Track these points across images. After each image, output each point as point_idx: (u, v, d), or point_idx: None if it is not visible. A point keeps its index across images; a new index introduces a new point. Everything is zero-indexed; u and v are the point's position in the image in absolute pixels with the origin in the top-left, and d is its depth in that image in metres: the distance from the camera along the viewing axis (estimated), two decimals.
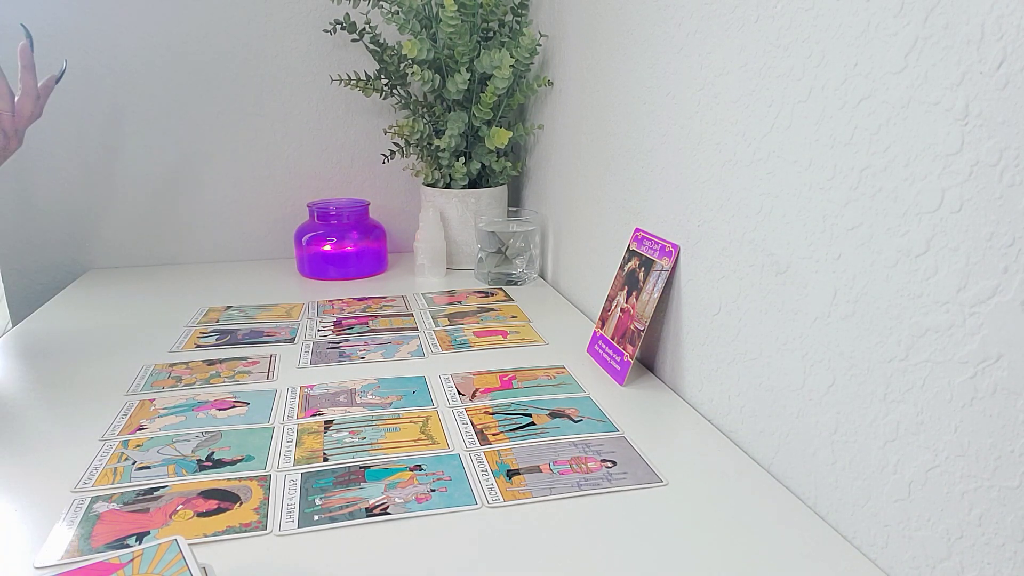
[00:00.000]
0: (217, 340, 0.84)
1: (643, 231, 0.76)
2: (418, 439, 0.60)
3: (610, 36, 0.82)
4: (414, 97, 1.13)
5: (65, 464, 0.57)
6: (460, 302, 0.99)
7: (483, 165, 1.13)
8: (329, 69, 1.17)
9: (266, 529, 0.48)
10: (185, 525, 0.49)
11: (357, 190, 1.24)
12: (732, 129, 0.59)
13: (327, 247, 1.09)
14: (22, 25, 0.79)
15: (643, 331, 0.69)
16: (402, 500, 0.52)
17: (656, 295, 0.69)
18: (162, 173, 1.16)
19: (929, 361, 0.41)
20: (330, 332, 0.86)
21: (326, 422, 0.63)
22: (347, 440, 0.60)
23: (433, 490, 0.53)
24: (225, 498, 0.52)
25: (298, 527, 0.49)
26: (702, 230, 0.64)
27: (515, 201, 1.26)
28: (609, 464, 0.56)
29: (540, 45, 1.06)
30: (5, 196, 1.10)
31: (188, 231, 1.19)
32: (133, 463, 0.57)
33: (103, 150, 1.12)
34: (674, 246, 0.69)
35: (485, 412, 0.65)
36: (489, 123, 1.09)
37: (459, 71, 1.02)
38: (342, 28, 1.08)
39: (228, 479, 0.54)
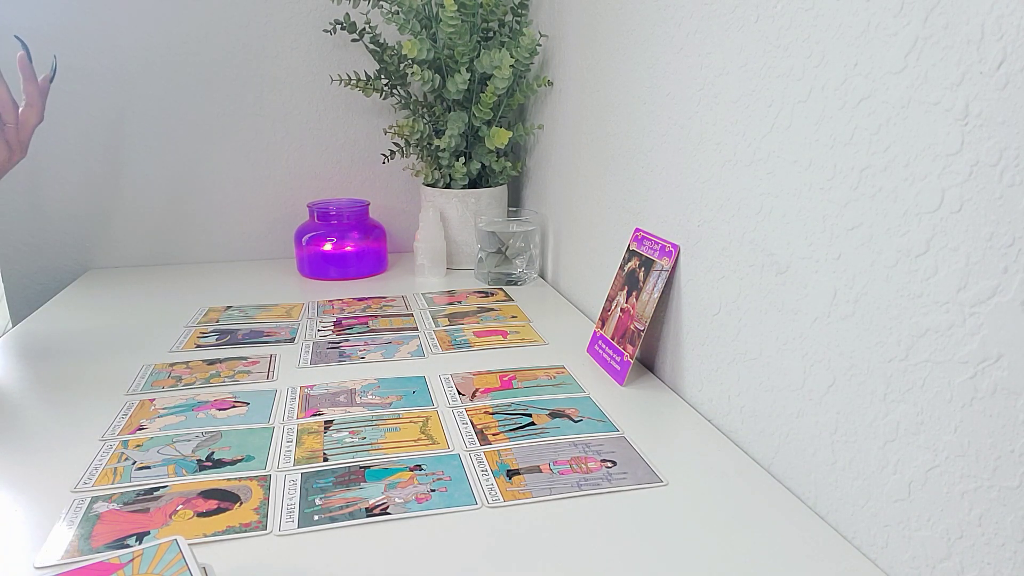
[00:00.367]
0: (217, 340, 0.84)
1: (643, 231, 0.76)
2: (418, 439, 0.60)
3: (610, 36, 0.82)
4: (414, 97, 1.13)
5: (65, 464, 0.57)
6: (460, 302, 0.99)
7: (483, 165, 1.13)
8: (329, 69, 1.17)
9: (266, 529, 0.48)
10: (185, 525, 0.49)
11: (357, 190, 1.24)
12: (732, 129, 0.59)
13: (327, 247, 1.09)
14: (16, 37, 0.79)
15: (643, 331, 0.69)
16: (402, 500, 0.52)
17: (656, 295, 0.69)
18: (162, 173, 1.16)
19: (929, 361, 0.41)
20: (330, 332, 0.86)
21: (326, 422, 0.63)
22: (347, 440, 0.60)
23: (433, 490, 0.53)
24: (225, 498, 0.52)
25: (298, 527, 0.49)
26: (702, 230, 0.64)
27: (515, 201, 1.26)
28: (609, 464, 0.56)
29: (540, 45, 1.06)
30: (5, 196, 1.10)
31: (188, 231, 1.19)
32: (133, 463, 0.57)
33: (103, 150, 1.12)
34: (674, 246, 0.69)
35: (485, 412, 0.65)
36: (489, 123, 1.09)
37: (459, 71, 1.02)
38: (342, 28, 1.08)
39: (228, 479, 0.54)
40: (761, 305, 0.56)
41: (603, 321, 0.78)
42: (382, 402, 0.67)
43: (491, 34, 1.09)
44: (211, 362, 0.77)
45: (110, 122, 1.11)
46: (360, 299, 1.00)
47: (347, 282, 1.09)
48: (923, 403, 0.41)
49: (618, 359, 0.72)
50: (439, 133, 1.11)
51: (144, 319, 0.91)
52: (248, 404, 0.67)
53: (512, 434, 0.61)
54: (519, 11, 1.06)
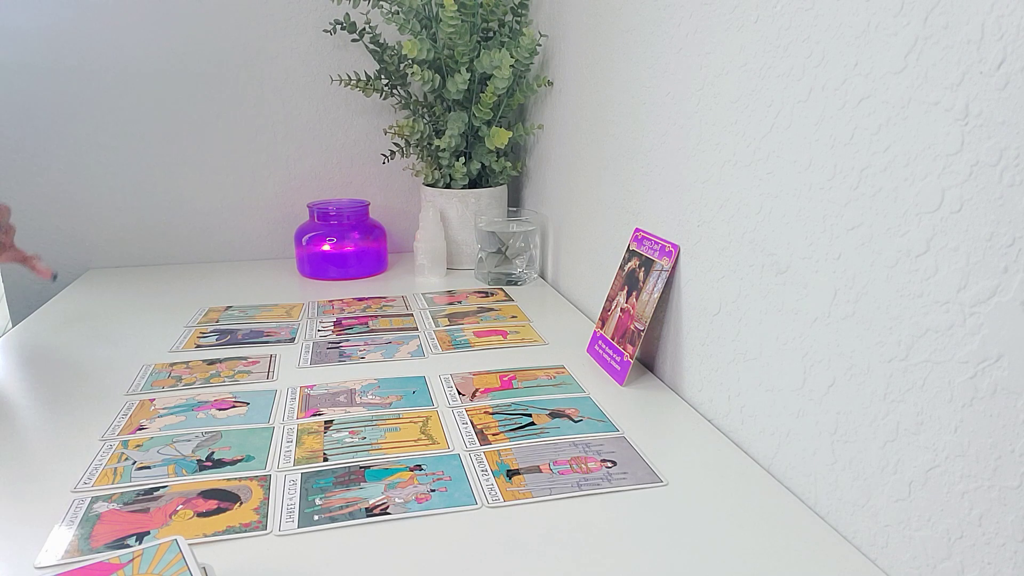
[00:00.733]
0: (217, 340, 0.84)
1: (643, 231, 0.76)
2: (418, 439, 0.60)
3: (610, 36, 0.82)
4: (414, 97, 1.13)
5: (65, 464, 0.57)
6: (460, 302, 0.99)
7: (483, 165, 1.13)
8: (329, 69, 1.17)
9: (266, 529, 0.48)
10: (185, 525, 0.49)
11: (357, 190, 1.24)
12: (732, 129, 0.59)
13: (327, 247, 1.09)
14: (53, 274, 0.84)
15: (643, 331, 0.69)
16: (402, 500, 0.52)
17: (656, 295, 0.69)
18: (162, 173, 1.16)
19: (929, 361, 0.41)
20: (330, 332, 0.86)
21: (326, 422, 0.63)
22: (347, 440, 0.60)
23: (433, 490, 0.53)
24: (225, 498, 0.52)
25: (298, 527, 0.49)
26: (702, 230, 0.64)
27: (515, 201, 1.26)
28: (609, 464, 0.56)
29: (540, 45, 1.06)
30: (5, 196, 1.10)
31: (188, 231, 1.19)
32: (133, 463, 0.57)
33: (102, 150, 1.12)
34: (674, 246, 0.69)
35: (485, 412, 0.65)
36: (489, 123, 1.09)
37: (459, 71, 1.02)
38: (342, 28, 1.08)
39: (228, 479, 0.54)
40: (761, 305, 0.56)
41: (603, 321, 0.78)
42: (382, 402, 0.67)
43: (491, 34, 1.09)
44: (211, 362, 0.77)
45: (110, 122, 1.11)
46: (360, 299, 1.00)
47: (347, 282, 1.09)
48: (923, 403, 0.41)
49: (618, 359, 0.72)
50: (439, 133, 1.11)
51: (144, 319, 0.91)
52: (248, 404, 0.67)
53: (512, 434, 0.61)
54: (519, 11, 1.06)
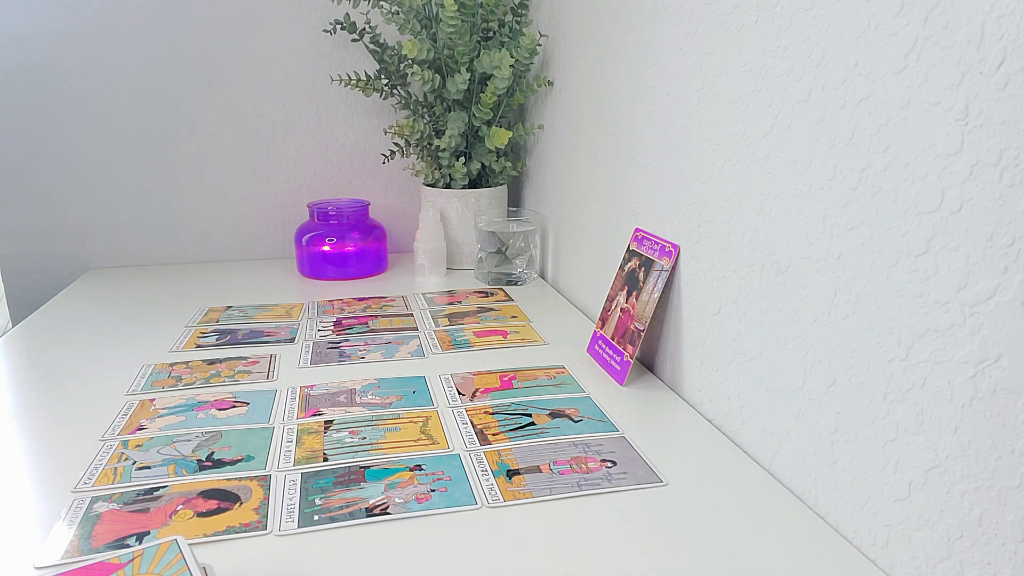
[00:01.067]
0: (217, 340, 0.84)
1: (643, 231, 0.76)
2: (418, 439, 0.60)
3: (610, 36, 0.82)
4: (414, 97, 1.13)
5: (65, 464, 0.57)
6: (460, 302, 0.99)
7: (483, 165, 1.13)
8: (329, 69, 1.17)
9: (266, 529, 0.48)
10: (185, 525, 0.49)
11: (357, 190, 1.24)
12: (732, 129, 0.59)
13: (327, 247, 1.09)
14: None
15: (643, 331, 0.69)
16: (402, 500, 0.52)
17: (656, 295, 0.69)
18: (162, 173, 1.16)
19: (929, 361, 0.41)
20: (330, 332, 0.86)
21: (326, 422, 0.63)
22: (347, 440, 0.60)
23: (433, 490, 0.53)
24: (225, 498, 0.52)
25: (298, 527, 0.49)
26: (702, 230, 0.64)
27: (515, 201, 1.26)
28: (609, 464, 0.56)
29: (540, 45, 1.06)
30: (5, 196, 1.10)
31: (188, 231, 1.19)
32: (133, 463, 0.57)
33: (102, 150, 1.12)
34: (674, 246, 0.69)
35: (485, 412, 0.65)
36: (489, 123, 1.09)
37: (459, 71, 1.02)
38: (342, 28, 1.08)
39: (228, 479, 0.54)
40: (761, 305, 0.56)
41: (603, 321, 0.78)
42: (382, 402, 0.67)
43: (491, 34, 1.09)
44: (211, 362, 0.77)
45: (110, 122, 1.11)
46: (360, 299, 1.00)
47: (347, 282, 1.09)
48: (923, 403, 0.41)
49: (618, 359, 0.72)
50: (439, 133, 1.11)
51: (144, 319, 0.91)
52: (248, 404, 0.67)
53: (512, 434, 0.61)
54: (519, 11, 1.06)
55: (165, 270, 1.16)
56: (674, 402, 0.68)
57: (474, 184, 1.15)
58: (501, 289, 1.05)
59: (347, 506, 0.51)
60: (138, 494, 0.52)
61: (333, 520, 0.49)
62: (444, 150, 1.08)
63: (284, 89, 1.17)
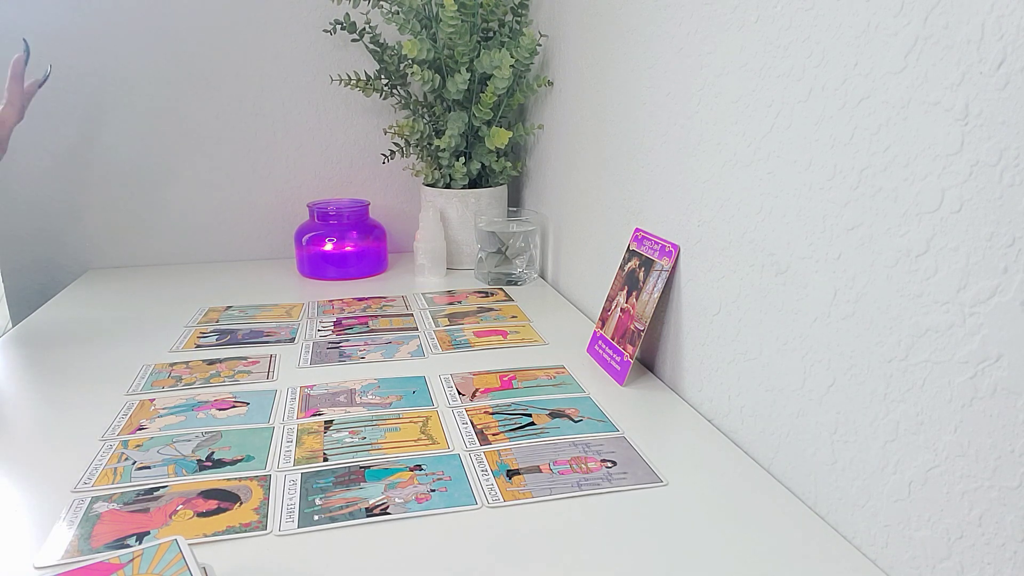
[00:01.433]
0: (217, 340, 0.84)
1: (643, 231, 0.76)
2: (418, 439, 0.60)
3: (610, 36, 0.82)
4: (414, 97, 1.13)
5: (65, 464, 0.57)
6: (460, 302, 0.99)
7: (483, 165, 1.13)
8: (329, 69, 1.17)
9: (266, 529, 0.48)
10: (185, 525, 0.49)
11: (357, 190, 1.24)
12: (732, 129, 0.59)
13: (327, 247, 1.09)
14: (24, 40, 0.81)
15: (643, 331, 0.69)
16: (402, 500, 0.52)
17: (656, 295, 0.69)
18: (162, 173, 1.16)
19: (929, 361, 0.41)
20: (330, 332, 0.86)
21: (326, 422, 0.63)
22: (347, 440, 0.60)
23: (433, 490, 0.53)
24: (225, 498, 0.52)
25: (298, 527, 0.49)
26: (702, 230, 0.64)
27: (515, 201, 1.26)
28: (609, 464, 0.56)
29: (540, 45, 1.06)
30: (5, 196, 1.10)
31: (188, 231, 1.19)
32: (133, 463, 0.57)
33: (102, 149, 1.12)
34: (674, 246, 0.69)
35: (485, 412, 0.65)
36: (489, 123, 1.09)
37: (459, 71, 1.02)
38: (342, 28, 1.08)
39: (228, 479, 0.54)
40: (761, 305, 0.56)
41: (603, 321, 0.78)
42: (382, 402, 0.67)
43: (491, 34, 1.09)
44: (211, 362, 0.77)
45: (110, 121, 1.11)
46: (360, 299, 1.00)
47: (347, 282, 1.09)
48: (923, 403, 0.41)
49: (618, 359, 0.72)
50: (439, 133, 1.11)
51: (144, 319, 0.91)
52: (248, 404, 0.67)
53: (512, 434, 0.61)
54: (519, 11, 1.06)
55: (165, 270, 1.16)
56: (674, 402, 0.68)
57: (474, 184, 1.15)
58: (501, 289, 1.05)
59: (347, 506, 0.51)
60: (138, 494, 0.52)
61: (333, 520, 0.49)
62: (444, 150, 1.08)
63: (284, 89, 1.17)
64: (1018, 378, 0.35)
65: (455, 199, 1.12)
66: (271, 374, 0.74)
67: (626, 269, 0.76)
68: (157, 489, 0.53)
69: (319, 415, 0.65)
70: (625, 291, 0.75)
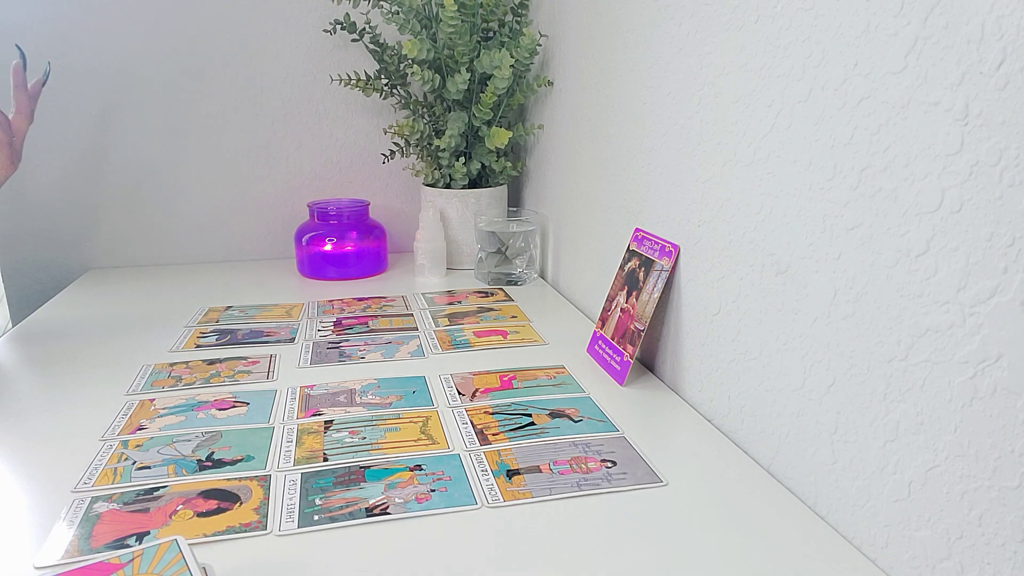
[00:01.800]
0: (217, 340, 0.84)
1: (643, 231, 0.76)
2: (418, 439, 0.60)
3: (610, 36, 0.82)
4: (414, 97, 1.13)
5: (65, 464, 0.57)
6: (460, 302, 0.99)
7: (483, 165, 1.13)
8: (329, 69, 1.17)
9: (266, 529, 0.48)
10: (185, 525, 0.49)
11: (357, 190, 1.24)
12: (732, 129, 0.59)
13: (327, 247, 1.09)
14: (16, 46, 0.81)
15: (643, 331, 0.69)
16: (402, 500, 0.52)
17: (656, 295, 0.69)
18: (162, 173, 1.16)
19: (929, 361, 0.41)
20: (330, 332, 0.86)
21: (326, 422, 0.63)
22: (347, 440, 0.60)
23: (433, 490, 0.53)
24: (225, 498, 0.52)
25: (298, 527, 0.49)
26: (702, 230, 0.64)
27: (515, 201, 1.26)
28: (609, 464, 0.56)
29: (540, 45, 1.06)
30: (5, 195, 1.10)
31: (188, 231, 1.19)
32: (133, 463, 0.57)
33: (102, 149, 1.12)
34: (674, 246, 0.69)
35: (485, 412, 0.65)
36: (489, 123, 1.09)
37: (459, 71, 1.02)
38: (342, 28, 1.08)
39: (228, 479, 0.54)
40: (761, 305, 0.56)
41: (603, 321, 0.78)
42: (382, 402, 0.67)
43: (491, 34, 1.09)
44: (211, 362, 0.77)
45: (110, 121, 1.11)
46: (360, 299, 1.00)
47: (347, 282, 1.09)
48: (923, 403, 0.41)
49: (618, 359, 0.72)
50: (439, 133, 1.11)
51: (144, 319, 0.91)
52: (248, 404, 0.67)
53: (512, 434, 0.61)
54: (519, 11, 1.06)
55: (165, 270, 1.16)
56: (674, 402, 0.68)
57: (474, 184, 1.15)
58: (501, 289, 1.05)
59: (347, 506, 0.51)
60: (138, 494, 0.52)
61: (333, 520, 0.49)
62: (444, 150, 1.08)
63: (284, 89, 1.17)
64: (1018, 378, 0.35)
65: (455, 199, 1.12)
66: (271, 374, 0.74)
67: (626, 269, 0.76)
68: (157, 489, 0.53)
69: (319, 415, 0.65)
70: (625, 291, 0.75)
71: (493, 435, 0.61)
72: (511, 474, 0.55)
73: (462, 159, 1.10)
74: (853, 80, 0.45)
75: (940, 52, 0.39)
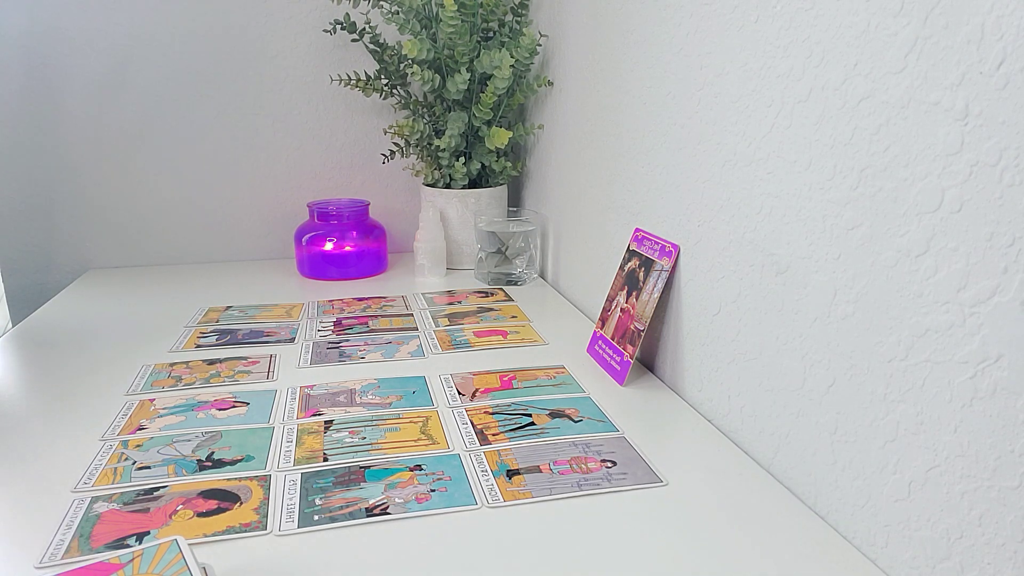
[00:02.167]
0: (217, 340, 0.84)
1: (643, 231, 0.76)
2: (418, 439, 0.60)
3: (610, 36, 0.82)
4: (414, 97, 1.13)
5: (65, 464, 0.57)
6: (460, 302, 0.99)
7: (483, 165, 1.13)
8: (329, 69, 1.17)
9: (266, 529, 0.48)
10: (185, 525, 0.49)
11: (357, 190, 1.25)
12: (732, 129, 0.59)
13: (327, 247, 1.09)
14: None
15: (643, 331, 0.69)
16: (402, 500, 0.52)
17: (656, 295, 0.69)
18: (162, 173, 1.16)
19: (929, 361, 0.41)
20: (330, 332, 0.86)
21: (326, 422, 0.63)
22: (347, 440, 0.60)
23: (433, 490, 0.53)
24: (225, 498, 0.52)
25: (298, 527, 0.49)
26: (702, 230, 0.64)
27: (515, 201, 1.26)
28: (609, 464, 0.56)
29: (540, 45, 1.06)
30: (5, 197, 1.10)
31: (188, 231, 1.19)
32: (133, 463, 0.57)
33: (102, 150, 1.12)
34: (674, 246, 0.69)
35: (485, 412, 0.65)
36: (489, 123, 1.09)
37: (459, 71, 1.02)
38: (342, 28, 1.08)
39: (228, 479, 0.54)
40: (761, 305, 0.56)
41: (603, 321, 0.78)
42: (382, 402, 0.67)
43: (491, 34, 1.09)
44: (211, 362, 0.77)
45: (110, 122, 1.11)
46: (360, 299, 1.00)
47: (347, 282, 1.09)
48: (923, 403, 0.41)
49: (618, 359, 0.72)
50: (439, 133, 1.11)
51: (144, 319, 0.91)
52: (248, 404, 0.67)
53: (512, 434, 0.61)
54: (519, 11, 1.06)
55: (165, 270, 1.16)
56: (674, 402, 0.68)
57: (474, 184, 1.15)
58: (501, 289, 1.05)
59: (347, 506, 0.51)
60: (138, 494, 0.52)
61: (333, 520, 0.49)
62: (444, 150, 1.08)
63: (284, 89, 1.17)
64: (1018, 378, 0.35)
65: (455, 199, 1.12)
66: (271, 374, 0.74)
67: (626, 269, 0.76)
68: (157, 489, 0.53)
69: (319, 415, 0.65)
70: (625, 291, 0.75)
71: (493, 435, 0.61)
72: (511, 474, 0.55)
73: (462, 159, 1.10)
74: (853, 80, 0.45)
75: (940, 52, 0.39)
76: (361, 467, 0.56)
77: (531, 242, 1.06)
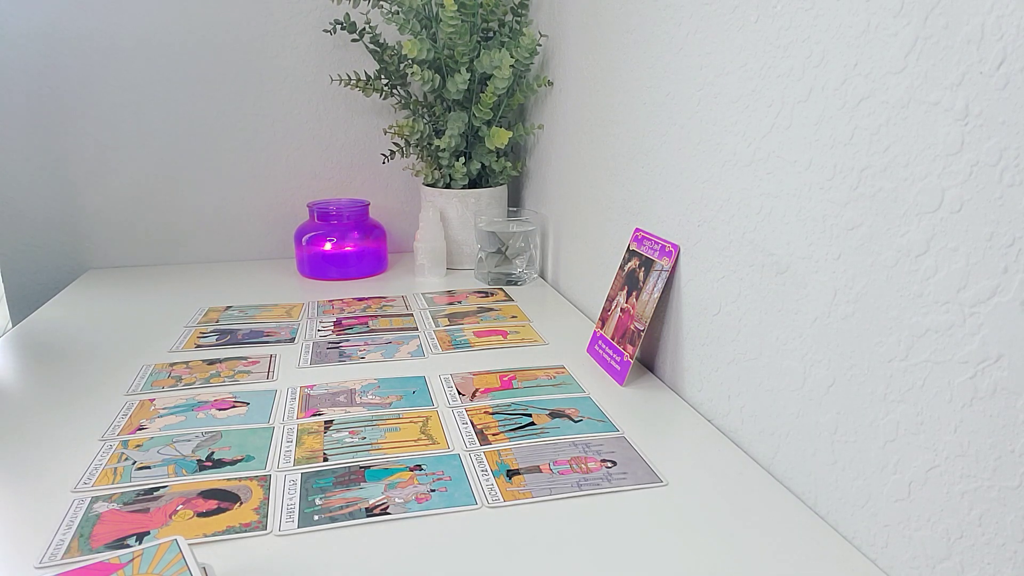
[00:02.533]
0: (217, 340, 0.84)
1: (643, 231, 0.76)
2: (418, 439, 0.60)
3: (610, 36, 0.82)
4: (414, 97, 1.13)
5: (65, 464, 0.57)
6: (460, 302, 0.99)
7: (483, 165, 1.13)
8: (329, 69, 1.17)
9: (266, 529, 0.48)
10: (185, 525, 0.49)
11: (357, 190, 1.25)
12: (732, 129, 0.59)
13: (327, 247, 1.09)
14: None
15: (643, 331, 0.69)
16: (402, 500, 0.52)
17: (656, 295, 0.69)
18: (162, 173, 1.16)
19: (929, 361, 0.41)
20: (330, 332, 0.86)
21: (326, 422, 0.63)
22: (347, 440, 0.60)
23: (433, 490, 0.53)
24: (225, 498, 0.52)
25: (298, 527, 0.49)
26: (702, 230, 0.64)
27: (515, 201, 1.26)
28: (609, 464, 0.56)
29: (540, 45, 1.06)
30: (5, 197, 1.10)
31: (188, 231, 1.19)
32: (133, 463, 0.57)
33: (102, 149, 1.12)
34: (674, 246, 0.69)
35: (485, 412, 0.65)
36: (489, 123, 1.09)
37: (459, 71, 1.02)
38: (342, 28, 1.08)
39: (228, 479, 0.54)
40: (761, 305, 0.56)
41: (603, 321, 0.78)
42: (382, 402, 0.67)
43: (491, 34, 1.09)
44: (211, 362, 0.77)
45: (109, 120, 1.11)
46: (360, 299, 1.00)
47: (347, 282, 1.09)
48: (923, 403, 0.41)
49: (618, 359, 0.72)
50: (439, 133, 1.11)
51: (144, 319, 0.91)
52: (248, 404, 0.67)
53: (512, 434, 0.61)
54: (519, 11, 1.06)
55: (165, 270, 1.16)
56: (674, 402, 0.68)
57: (474, 184, 1.15)
58: (501, 289, 1.05)
59: (347, 506, 0.51)
60: (138, 494, 0.52)
61: (333, 520, 0.49)
62: (444, 150, 1.08)
63: (284, 89, 1.17)
64: (1018, 378, 0.35)
65: (455, 199, 1.12)
66: (271, 374, 0.74)
67: (626, 269, 0.76)
68: (157, 489, 0.53)
69: (319, 415, 0.65)
70: (625, 291, 0.75)
71: (493, 435, 0.61)
72: (511, 474, 0.55)
73: (462, 159, 1.10)
74: (853, 80, 0.45)
75: (940, 52, 0.39)
76: (361, 467, 0.56)
77: (531, 242, 1.06)
